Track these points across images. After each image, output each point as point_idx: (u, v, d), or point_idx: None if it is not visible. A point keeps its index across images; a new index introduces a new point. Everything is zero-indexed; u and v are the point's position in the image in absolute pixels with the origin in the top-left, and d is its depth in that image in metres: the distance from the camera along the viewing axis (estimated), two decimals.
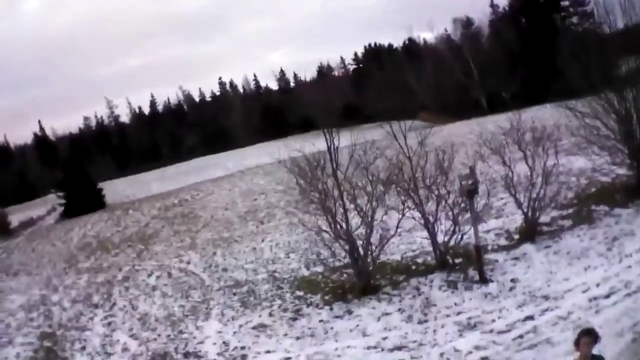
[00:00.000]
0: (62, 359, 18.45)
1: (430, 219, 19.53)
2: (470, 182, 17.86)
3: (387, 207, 19.73)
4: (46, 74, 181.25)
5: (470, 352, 13.54)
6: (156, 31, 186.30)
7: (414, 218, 20.21)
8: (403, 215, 19.54)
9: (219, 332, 18.21)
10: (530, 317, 14.52)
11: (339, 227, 18.78)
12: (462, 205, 19.33)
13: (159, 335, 19.00)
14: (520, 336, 13.67)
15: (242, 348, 16.52)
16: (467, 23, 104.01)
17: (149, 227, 42.71)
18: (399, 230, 19.80)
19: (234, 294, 21.87)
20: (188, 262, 29.18)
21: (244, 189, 49.67)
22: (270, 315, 18.71)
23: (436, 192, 19.60)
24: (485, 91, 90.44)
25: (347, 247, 18.91)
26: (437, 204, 19.64)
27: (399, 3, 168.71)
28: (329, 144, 18.96)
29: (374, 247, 18.99)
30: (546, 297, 15.37)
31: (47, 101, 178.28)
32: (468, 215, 19.02)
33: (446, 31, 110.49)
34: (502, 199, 25.04)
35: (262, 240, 30.53)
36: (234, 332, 17.83)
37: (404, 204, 19.69)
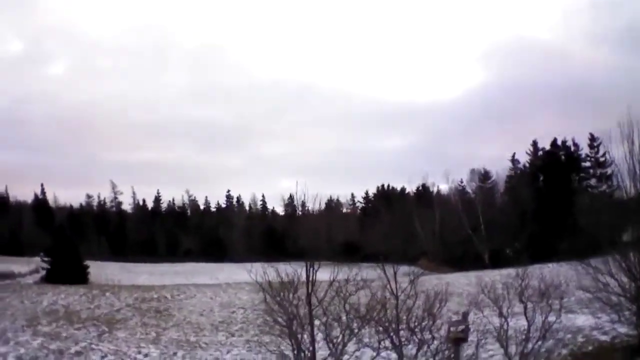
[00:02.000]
0: None
1: None
2: (460, 328, 16.82)
3: (362, 344, 18.85)
4: (59, 142, 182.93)
5: None
6: (171, 129, 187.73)
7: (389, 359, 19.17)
8: (378, 354, 18.63)
9: None
10: None
11: (302, 355, 17.91)
12: (446, 353, 18.39)
13: None
14: None
15: None
16: (484, 176, 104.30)
17: (120, 312, 41.83)
18: None
19: None
20: (145, 355, 28.23)
21: (225, 300, 48.65)
22: None
23: (419, 336, 18.70)
24: (490, 246, 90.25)
25: None
26: (418, 349, 18.63)
27: (419, 149, 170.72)
28: (308, 269, 18.26)
29: None
30: None
31: (54, 168, 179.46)
32: None
33: (461, 182, 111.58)
34: (489, 350, 23.43)
35: (228, 352, 29.57)
36: None
37: (379, 343, 18.76)
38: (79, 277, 65.54)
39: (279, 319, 17.79)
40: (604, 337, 24.36)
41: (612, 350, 22.55)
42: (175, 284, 63.44)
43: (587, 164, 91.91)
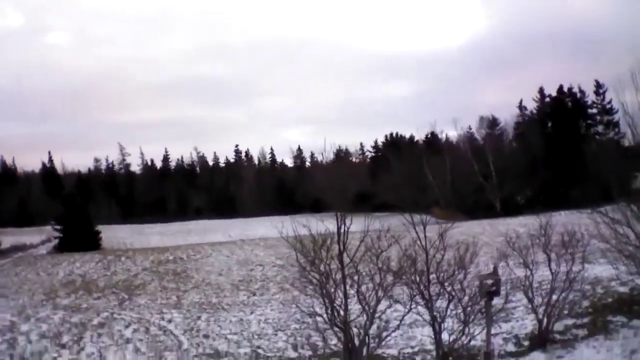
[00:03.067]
0: None
1: (438, 317, 18.06)
2: (491, 282, 16.38)
3: (393, 300, 18.18)
4: (64, 110, 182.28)
5: None
6: (177, 89, 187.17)
7: (419, 314, 18.34)
8: (410, 309, 18.02)
9: None
10: None
11: (336, 313, 17.26)
12: (477, 306, 17.78)
13: None
14: None
15: None
16: (492, 123, 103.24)
17: (138, 277, 41.49)
18: (394, 331, 17.96)
19: None
20: (169, 321, 27.73)
21: (242, 258, 48.35)
22: None
23: (449, 289, 18.12)
24: (501, 194, 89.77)
25: (341, 335, 17.09)
26: (449, 302, 17.83)
27: (427, 97, 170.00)
28: (339, 225, 17.55)
29: (371, 339, 17.15)
30: None
31: (60, 136, 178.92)
32: (479, 317, 17.43)
33: (470, 129, 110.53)
34: (511, 301, 23.36)
35: (252, 312, 29.25)
36: None
37: (412, 299, 18.06)
38: (92, 243, 65.24)
39: (312, 278, 17.17)
40: (622, 289, 24.26)
41: (631, 302, 22.22)
42: (189, 243, 63.01)
43: (594, 110, 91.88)
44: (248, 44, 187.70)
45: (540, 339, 18.63)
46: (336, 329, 16.88)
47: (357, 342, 16.74)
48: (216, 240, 66.30)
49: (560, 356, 17.27)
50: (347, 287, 16.90)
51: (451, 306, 17.39)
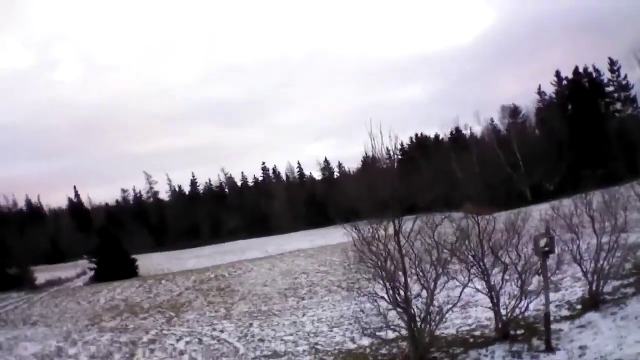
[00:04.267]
0: None
1: (495, 287, 17.69)
2: (545, 241, 16.04)
3: (451, 276, 17.72)
4: (84, 144, 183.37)
5: None
6: (195, 114, 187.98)
7: (476, 288, 18.34)
8: (468, 283, 17.67)
9: None
10: None
11: (397, 294, 16.62)
12: (533, 270, 17.42)
13: None
14: None
15: None
16: (514, 112, 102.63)
17: (182, 296, 40.89)
18: (455, 305, 17.99)
19: None
20: (222, 331, 27.27)
21: (285, 269, 47.70)
22: None
23: (504, 259, 17.65)
24: (530, 182, 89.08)
25: (405, 316, 16.71)
26: (504, 272, 17.69)
27: (446, 96, 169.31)
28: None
29: (433, 317, 16.89)
30: None
31: (84, 170, 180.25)
32: (534, 285, 17.52)
33: (492, 121, 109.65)
34: (558, 275, 22.92)
35: (304, 315, 28.78)
36: None
37: (469, 271, 17.81)
38: (129, 272, 64.82)
39: (370, 260, 16.88)
40: None
41: None
42: (229, 262, 62.24)
43: (611, 88, 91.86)
44: (255, 62, 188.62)
45: (592, 301, 18.83)
46: (399, 310, 16.72)
47: (419, 321, 16.64)
48: (255, 257, 65.58)
49: (614, 312, 17.39)
50: (406, 266, 16.69)
51: (507, 276, 17.55)
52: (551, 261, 17.87)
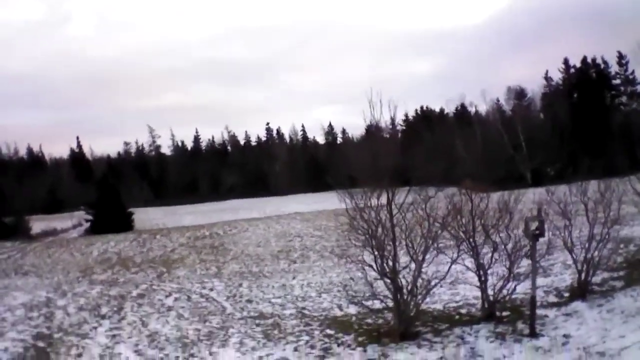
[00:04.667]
0: None
1: (484, 265, 17.91)
2: (536, 223, 16.18)
3: (440, 250, 17.76)
4: (90, 97, 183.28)
5: None
6: (203, 73, 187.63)
7: (465, 265, 18.58)
8: (456, 259, 17.82)
9: None
10: None
11: (385, 264, 16.74)
12: (523, 251, 17.65)
13: (166, 355, 16.74)
14: None
15: None
16: (520, 94, 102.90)
17: (175, 252, 41.12)
18: (442, 280, 18.07)
19: (257, 325, 19.81)
20: (211, 289, 27.33)
21: (279, 231, 48.01)
22: (296, 350, 16.56)
23: (494, 238, 17.81)
24: (531, 165, 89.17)
25: (391, 286, 16.84)
26: (493, 251, 17.91)
27: (453, 73, 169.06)
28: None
29: (419, 290, 17.07)
30: (602, 354, 13.45)
31: (88, 122, 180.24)
32: (522, 268, 18.04)
33: (498, 101, 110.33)
34: (548, 260, 23.29)
35: (294, 278, 28.96)
36: None
37: (459, 247, 17.96)
38: (124, 225, 65.00)
39: (361, 227, 17.03)
40: None
41: None
42: (225, 220, 62.40)
43: (617, 81, 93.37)
44: (271, 26, 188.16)
45: (580, 290, 18.99)
46: (386, 280, 16.91)
47: (405, 292, 16.81)
48: (251, 217, 65.70)
49: (601, 304, 17.48)
50: (396, 236, 16.86)
51: (496, 255, 17.79)
52: (542, 245, 17.99)
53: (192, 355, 16.62)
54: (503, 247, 17.76)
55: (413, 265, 16.94)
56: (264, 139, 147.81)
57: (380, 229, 16.69)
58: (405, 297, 16.81)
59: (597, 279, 19.94)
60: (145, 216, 77.08)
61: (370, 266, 16.99)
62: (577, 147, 79.78)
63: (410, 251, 16.93)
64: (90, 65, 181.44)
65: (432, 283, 17.49)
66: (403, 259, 17.48)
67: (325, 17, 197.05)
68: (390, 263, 16.74)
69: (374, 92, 16.44)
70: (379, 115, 16.82)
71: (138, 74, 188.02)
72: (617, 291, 18.77)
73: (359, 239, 17.16)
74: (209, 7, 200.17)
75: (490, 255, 17.95)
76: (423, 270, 17.04)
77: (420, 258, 16.77)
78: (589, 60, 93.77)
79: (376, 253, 16.79)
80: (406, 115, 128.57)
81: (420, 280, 17.09)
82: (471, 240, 17.78)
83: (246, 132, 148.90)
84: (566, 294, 19.48)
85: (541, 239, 16.74)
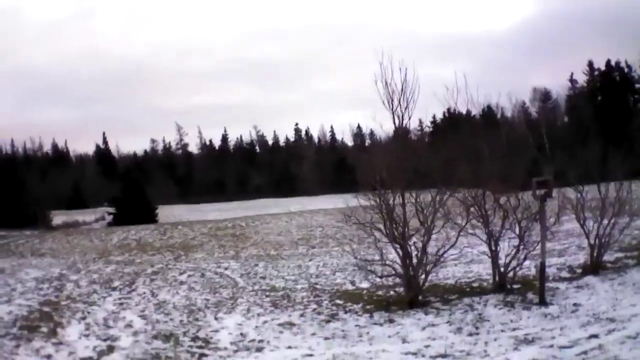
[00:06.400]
0: (55, 322, 15.83)
1: (494, 234, 17.90)
2: (544, 184, 16.38)
3: (449, 219, 17.92)
4: (118, 94, 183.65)
5: None
6: (232, 72, 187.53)
7: (475, 234, 18.49)
8: (466, 224, 17.73)
9: (239, 324, 15.79)
10: (594, 336, 12.21)
11: (395, 229, 16.58)
12: (530, 224, 17.61)
13: (171, 319, 16.57)
14: (585, 352, 11.26)
15: (261, 341, 13.97)
16: (545, 96, 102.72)
17: (195, 240, 41.31)
18: (452, 246, 17.50)
19: (267, 296, 19.75)
20: (226, 268, 27.26)
21: (302, 223, 48.54)
22: (302, 316, 16.44)
23: (504, 204, 17.86)
24: (555, 167, 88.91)
25: (401, 252, 16.65)
26: (504, 218, 17.76)
27: (479, 78, 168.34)
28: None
29: (429, 258, 16.88)
30: (612, 320, 13.23)
31: (114, 121, 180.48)
32: (533, 237, 17.51)
33: (524, 103, 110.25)
34: (564, 244, 24.80)
35: (310, 260, 28.94)
36: (256, 327, 15.45)
37: (468, 215, 17.81)
38: (147, 218, 64.75)
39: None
40: None
41: None
42: (249, 215, 62.33)
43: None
44: (302, 27, 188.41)
45: (593, 267, 19.06)
46: (395, 245, 16.75)
47: (415, 260, 16.69)
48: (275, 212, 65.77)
49: (613, 278, 17.60)
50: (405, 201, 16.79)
51: (506, 225, 17.73)
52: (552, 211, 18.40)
53: (196, 319, 16.44)
54: (514, 213, 17.63)
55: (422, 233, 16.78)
56: (292, 139, 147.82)
57: (390, 193, 16.67)
58: (414, 264, 16.62)
59: (610, 257, 20.05)
60: (170, 212, 77.15)
61: (380, 230, 16.78)
62: (601, 150, 79.76)
63: (420, 216, 16.73)
64: (118, 63, 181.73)
65: (442, 252, 17.13)
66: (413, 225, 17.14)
67: (356, 20, 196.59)
68: (400, 229, 16.53)
69: (381, 52, 16.56)
70: (387, 77, 16.73)
71: (167, 72, 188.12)
72: (630, 267, 18.88)
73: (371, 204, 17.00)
74: (239, 5, 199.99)
75: (500, 224, 17.80)
76: (433, 244, 16.98)
77: (428, 223, 16.60)
78: (613, 63, 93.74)
79: (385, 217, 16.61)
80: (434, 117, 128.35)
81: (429, 250, 16.86)
82: (480, 207, 17.82)
83: (274, 132, 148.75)
84: (579, 270, 19.50)
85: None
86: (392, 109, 16.97)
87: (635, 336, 11.78)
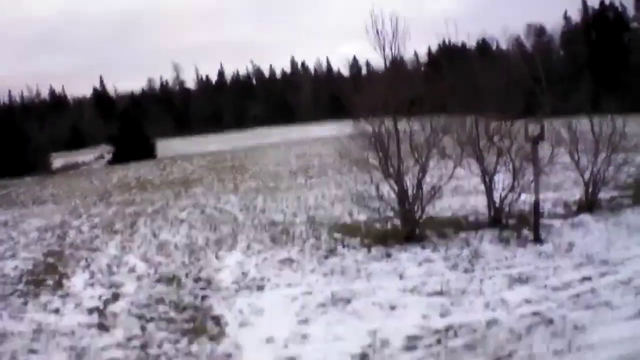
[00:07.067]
0: (60, 274, 16.16)
1: (488, 170, 18.23)
2: (536, 126, 16.82)
3: (444, 154, 18.32)
4: (113, 36, 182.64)
5: (520, 305, 11.32)
6: (228, 9, 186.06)
7: (470, 170, 18.78)
8: (460, 160, 17.85)
9: (240, 262, 16.11)
10: (587, 279, 12.50)
11: (390, 165, 16.81)
12: (523, 164, 17.94)
13: (172, 261, 16.89)
14: (577, 295, 11.57)
15: (261, 279, 14.34)
16: (540, 31, 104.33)
17: (194, 174, 41.95)
18: (447, 182, 17.78)
19: (266, 231, 20.06)
20: (226, 202, 27.63)
21: (300, 152, 48.55)
22: (301, 251, 16.78)
23: (498, 144, 18.12)
24: (551, 98, 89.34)
25: (396, 187, 16.92)
26: (498, 155, 18.16)
27: (474, 9, 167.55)
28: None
29: (424, 192, 17.10)
30: (605, 262, 13.49)
31: (112, 64, 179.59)
32: (528, 176, 17.73)
33: (519, 37, 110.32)
34: (560, 178, 24.92)
35: (309, 191, 29.24)
36: (256, 264, 15.77)
37: (462, 150, 17.96)
38: (146, 153, 64.88)
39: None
40: None
41: None
42: (248, 146, 62.65)
43: (636, 24, 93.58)
44: None
45: (588, 204, 19.23)
46: (391, 181, 16.96)
47: (410, 194, 16.97)
48: (274, 142, 65.95)
49: (607, 218, 17.74)
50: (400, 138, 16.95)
51: (501, 160, 18.16)
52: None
53: (197, 259, 16.79)
54: (507, 152, 17.96)
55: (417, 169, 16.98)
56: (288, 71, 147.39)
57: (384, 131, 16.76)
58: (410, 199, 16.86)
59: (606, 195, 20.25)
60: (169, 146, 77.09)
61: (375, 167, 17.02)
62: (595, 83, 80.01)
63: (415, 153, 16.93)
64: (114, 5, 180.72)
65: (437, 187, 17.32)
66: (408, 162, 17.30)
67: None
68: (395, 164, 16.72)
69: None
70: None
71: (161, 11, 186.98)
72: (624, 207, 19.08)
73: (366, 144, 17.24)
74: None
75: (495, 161, 18.15)
76: (429, 180, 17.21)
77: (423, 159, 16.82)
78: (607, 2, 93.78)
79: (380, 154, 16.81)
80: (429, 49, 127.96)
81: (425, 185, 17.07)
82: (475, 146, 18.03)
83: (271, 65, 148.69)
84: (574, 207, 19.65)
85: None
86: (384, 55, 17.44)
87: (628, 281, 12.01)
